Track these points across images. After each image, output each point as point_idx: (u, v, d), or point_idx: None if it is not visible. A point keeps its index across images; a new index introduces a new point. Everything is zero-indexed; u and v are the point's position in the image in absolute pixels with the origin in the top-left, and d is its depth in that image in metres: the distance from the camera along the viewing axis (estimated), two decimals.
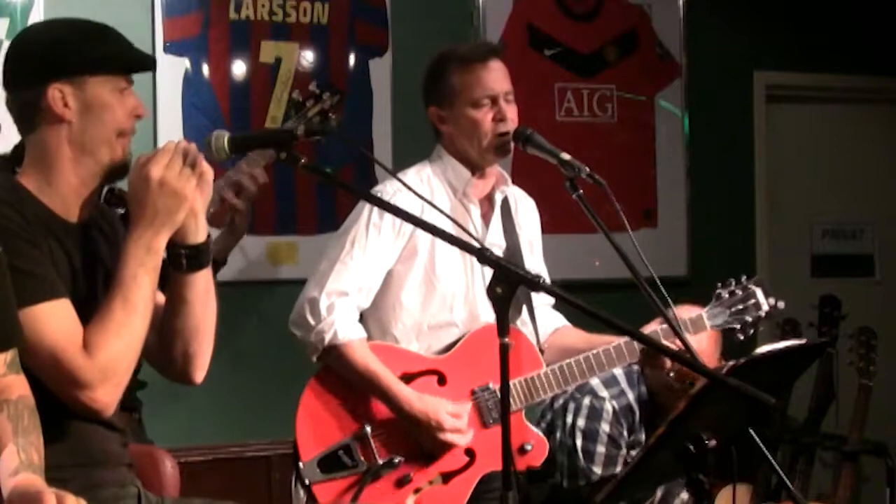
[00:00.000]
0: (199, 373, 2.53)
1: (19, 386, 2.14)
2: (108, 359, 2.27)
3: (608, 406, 3.69)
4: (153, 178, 2.33)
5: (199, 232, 2.43)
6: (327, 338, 3.24)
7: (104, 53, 2.40)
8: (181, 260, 2.42)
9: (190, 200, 2.37)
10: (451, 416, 3.24)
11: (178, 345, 2.48)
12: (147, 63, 2.52)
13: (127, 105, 2.41)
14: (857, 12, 6.17)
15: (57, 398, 2.31)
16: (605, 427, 3.66)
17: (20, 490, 1.98)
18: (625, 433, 3.70)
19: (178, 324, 2.46)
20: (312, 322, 3.26)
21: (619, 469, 3.67)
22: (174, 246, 2.41)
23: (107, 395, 2.29)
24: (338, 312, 3.25)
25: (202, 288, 2.46)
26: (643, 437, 3.73)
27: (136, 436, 3.73)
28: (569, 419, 3.71)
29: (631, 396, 3.74)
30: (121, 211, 2.71)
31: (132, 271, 2.32)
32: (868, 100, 6.41)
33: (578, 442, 3.66)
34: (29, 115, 2.39)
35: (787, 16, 6.04)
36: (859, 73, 6.21)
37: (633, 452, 3.70)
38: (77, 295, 2.34)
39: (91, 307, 2.33)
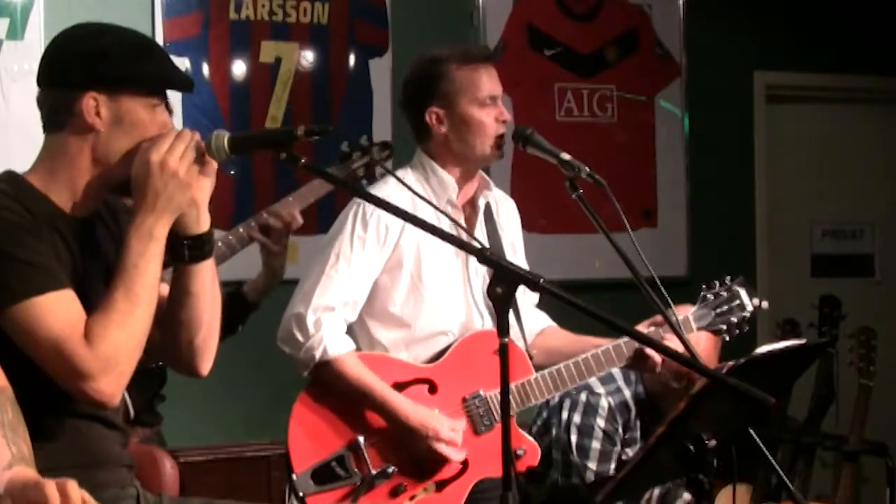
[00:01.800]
0: (206, 364, 2.51)
1: None
2: (110, 348, 2.26)
3: (603, 402, 3.69)
4: (154, 162, 2.32)
5: (201, 222, 2.42)
6: (317, 354, 3.21)
7: (145, 72, 2.40)
8: (183, 251, 2.41)
9: (192, 186, 2.36)
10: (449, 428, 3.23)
11: (183, 337, 2.47)
12: (186, 85, 2.52)
13: (157, 123, 2.40)
14: (858, 12, 6.18)
15: (57, 397, 2.31)
16: (600, 423, 3.66)
17: (19, 482, 1.97)
18: (620, 430, 3.70)
19: (184, 316, 2.45)
20: (301, 339, 3.23)
21: (613, 465, 3.67)
22: (176, 237, 2.40)
23: (110, 386, 2.27)
24: (326, 328, 3.22)
25: (206, 279, 2.45)
26: (638, 434, 3.73)
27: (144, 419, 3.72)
28: (564, 415, 3.71)
29: (627, 393, 3.74)
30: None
31: (134, 260, 2.31)
32: (868, 100, 6.41)
33: (573, 438, 3.66)
34: (57, 115, 2.38)
35: (787, 16, 6.04)
36: (859, 73, 6.22)
37: (628, 450, 3.70)
38: (79, 289, 2.33)
39: (93, 302, 2.32)
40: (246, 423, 4.86)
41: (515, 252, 3.54)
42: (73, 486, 1.89)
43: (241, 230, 3.50)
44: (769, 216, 6.05)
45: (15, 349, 2.25)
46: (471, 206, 3.44)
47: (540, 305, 3.62)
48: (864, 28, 6.20)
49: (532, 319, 3.57)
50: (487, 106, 3.33)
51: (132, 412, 3.41)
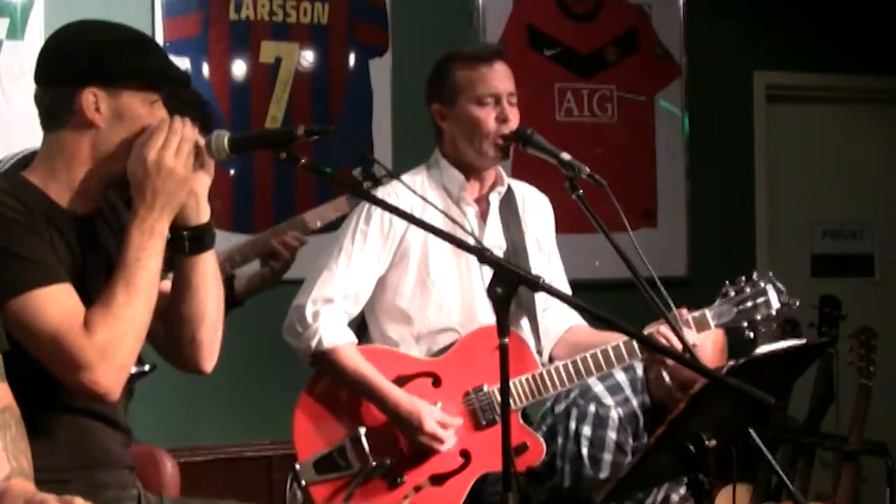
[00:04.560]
0: (209, 361, 2.50)
1: (4, 395, 2.11)
2: (108, 339, 2.25)
3: (614, 414, 3.66)
4: (149, 160, 2.32)
5: (201, 213, 2.42)
6: (313, 344, 3.26)
7: (143, 66, 2.40)
8: (183, 243, 2.41)
9: (189, 180, 2.36)
10: (437, 422, 3.23)
11: (185, 332, 2.46)
12: (183, 80, 2.52)
13: (156, 118, 2.40)
14: (857, 12, 6.18)
15: (59, 396, 2.31)
16: (611, 434, 3.63)
17: (18, 493, 1.96)
18: (630, 440, 3.68)
19: (185, 310, 2.44)
20: (300, 329, 3.28)
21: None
22: (176, 229, 2.40)
23: (108, 378, 2.26)
24: (323, 319, 3.27)
25: (207, 271, 2.44)
26: (645, 442, 3.71)
27: None
28: (572, 426, 3.68)
29: (635, 403, 3.71)
30: None
31: (134, 254, 2.31)
32: (868, 100, 6.41)
33: (584, 450, 3.64)
34: (57, 113, 2.38)
35: (787, 16, 6.04)
36: (859, 73, 6.22)
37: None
38: (78, 285, 2.32)
39: (93, 298, 2.31)
40: (246, 423, 4.86)
41: (542, 248, 3.54)
42: (79, 501, 1.88)
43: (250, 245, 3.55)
44: (769, 216, 6.04)
45: (16, 347, 2.25)
46: (485, 202, 3.45)
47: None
48: (864, 28, 6.20)
49: (562, 318, 3.58)
50: (487, 105, 3.34)
51: None
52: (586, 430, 3.64)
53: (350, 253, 3.32)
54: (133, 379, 3.78)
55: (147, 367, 3.38)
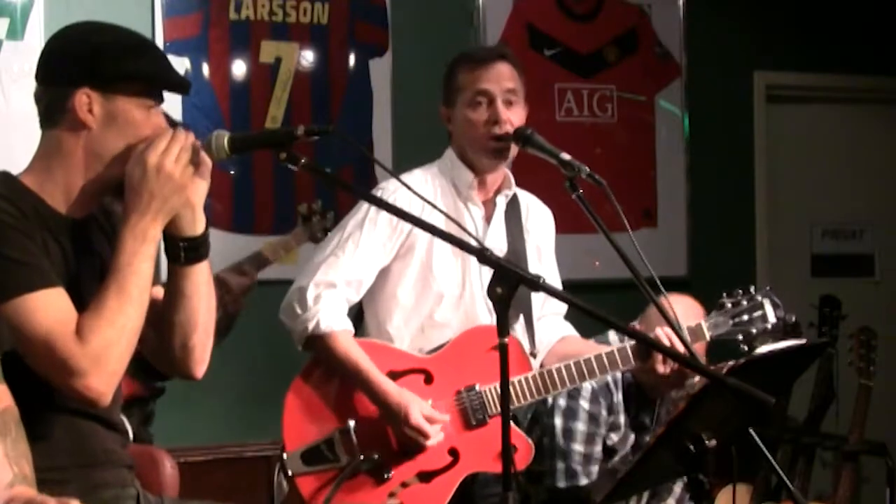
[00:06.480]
0: (200, 367, 2.51)
1: (4, 397, 2.11)
2: (101, 346, 2.25)
3: (587, 384, 3.65)
4: (150, 163, 2.32)
5: (197, 223, 2.42)
6: (310, 326, 3.24)
7: (141, 70, 2.39)
8: (179, 252, 2.41)
9: (187, 188, 2.36)
10: (424, 417, 3.23)
11: (177, 338, 2.46)
12: (182, 87, 2.51)
13: (151, 124, 2.40)
14: (857, 12, 6.18)
15: (58, 397, 2.31)
16: (584, 404, 3.63)
17: (20, 499, 1.95)
18: (603, 412, 3.66)
19: (177, 317, 2.45)
20: (299, 311, 3.27)
21: (598, 448, 3.65)
22: (172, 238, 2.40)
23: (101, 384, 2.26)
24: (324, 302, 3.26)
25: (201, 281, 2.44)
26: (622, 419, 3.69)
27: (141, 436, 3.76)
28: (549, 400, 3.68)
29: (608, 377, 3.69)
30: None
31: (127, 259, 2.31)
32: (868, 100, 6.41)
33: (558, 421, 3.64)
34: (52, 111, 2.38)
35: (787, 16, 6.05)
36: (859, 73, 6.22)
37: (613, 434, 3.68)
38: (72, 289, 2.32)
39: (86, 302, 2.31)
40: (246, 423, 4.86)
41: (542, 257, 3.54)
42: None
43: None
44: (769, 216, 6.05)
45: (13, 348, 2.25)
46: (492, 203, 3.46)
47: (567, 317, 3.62)
48: (864, 28, 6.20)
49: (554, 328, 3.58)
50: (478, 106, 3.33)
51: (131, 433, 3.45)
52: (560, 402, 3.64)
53: (357, 240, 3.31)
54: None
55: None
